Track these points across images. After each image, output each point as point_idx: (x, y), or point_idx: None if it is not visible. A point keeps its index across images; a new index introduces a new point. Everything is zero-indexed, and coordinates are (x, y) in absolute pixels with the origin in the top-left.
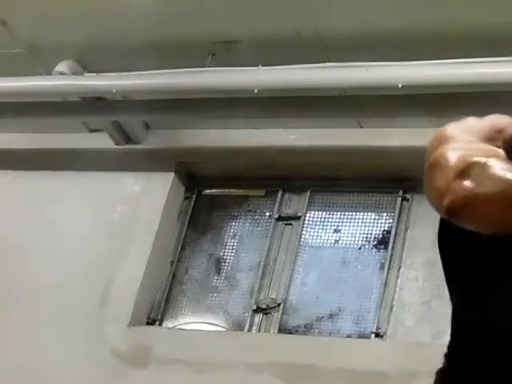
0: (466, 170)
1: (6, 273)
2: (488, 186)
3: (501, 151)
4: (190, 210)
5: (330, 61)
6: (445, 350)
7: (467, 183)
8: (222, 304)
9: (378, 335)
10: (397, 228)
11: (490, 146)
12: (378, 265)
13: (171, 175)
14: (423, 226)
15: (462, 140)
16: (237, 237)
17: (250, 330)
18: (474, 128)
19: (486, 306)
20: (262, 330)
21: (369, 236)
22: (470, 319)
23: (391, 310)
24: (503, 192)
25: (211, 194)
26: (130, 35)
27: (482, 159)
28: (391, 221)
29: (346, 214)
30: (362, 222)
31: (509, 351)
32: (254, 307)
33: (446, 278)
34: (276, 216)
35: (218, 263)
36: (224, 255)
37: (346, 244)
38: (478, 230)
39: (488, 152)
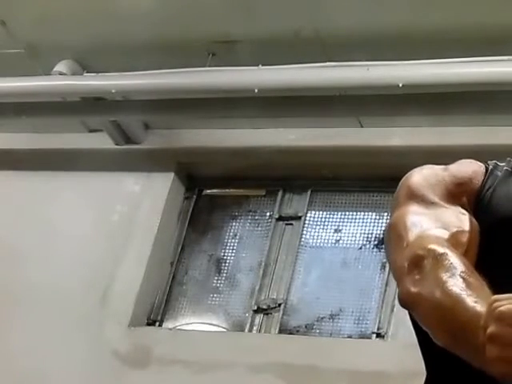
0: (418, 260)
1: (6, 273)
2: (429, 290)
3: (466, 222)
4: (190, 210)
5: (330, 60)
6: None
7: (416, 280)
8: (222, 304)
9: (379, 335)
10: None
11: (455, 214)
12: (379, 265)
13: (171, 175)
14: None
15: (425, 203)
16: (237, 237)
17: (250, 330)
18: (437, 182)
19: None
20: (263, 330)
21: (370, 236)
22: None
23: (392, 310)
24: (438, 307)
25: (211, 194)
26: (129, 35)
27: (436, 248)
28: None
29: (347, 213)
30: (363, 222)
31: None
32: (255, 307)
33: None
34: (276, 216)
35: (219, 263)
36: (224, 255)
37: (346, 244)
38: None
39: (450, 228)
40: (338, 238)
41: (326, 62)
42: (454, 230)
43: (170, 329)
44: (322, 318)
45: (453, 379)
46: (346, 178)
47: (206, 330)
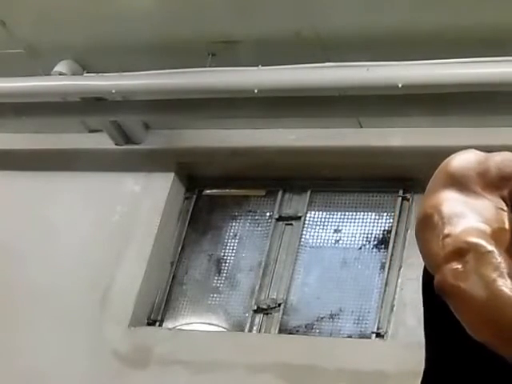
0: (460, 252)
1: (6, 274)
2: (473, 286)
3: (506, 220)
4: (190, 210)
5: (329, 61)
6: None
7: (457, 272)
8: (222, 304)
9: (378, 335)
10: (397, 228)
11: (495, 209)
12: (379, 265)
13: (171, 175)
14: None
15: (465, 190)
16: (237, 237)
17: (250, 330)
18: (480, 171)
19: None
20: (263, 330)
21: (369, 236)
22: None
23: (392, 309)
24: (486, 306)
25: (211, 195)
26: (129, 35)
27: (482, 244)
28: (391, 221)
29: (347, 213)
30: (363, 222)
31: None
32: (255, 307)
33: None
34: (276, 216)
35: (219, 263)
36: (224, 255)
37: (346, 244)
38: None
39: (492, 223)
40: (338, 238)
41: (325, 62)
42: (496, 226)
43: (170, 329)
44: (322, 318)
45: (454, 361)
46: (346, 178)
47: (206, 329)
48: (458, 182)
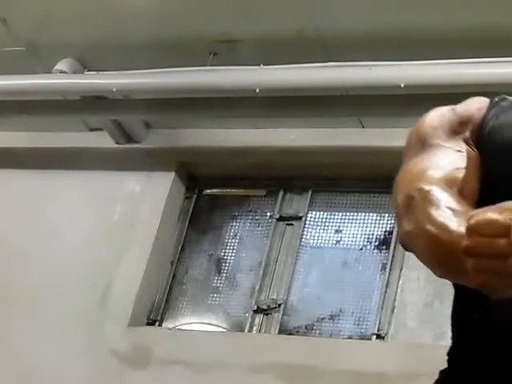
0: (410, 200)
1: (5, 273)
2: (417, 226)
3: (463, 160)
4: (191, 209)
5: (331, 60)
6: (446, 351)
7: (409, 220)
8: (222, 304)
9: (379, 336)
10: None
11: (453, 153)
12: (380, 265)
13: (172, 175)
14: None
15: (428, 145)
16: (237, 237)
17: (250, 330)
18: (441, 123)
19: (491, 306)
20: (263, 330)
21: (370, 236)
22: (472, 319)
23: (393, 311)
24: (428, 239)
25: (212, 194)
26: (130, 34)
27: (423, 186)
28: (393, 221)
29: (348, 214)
30: (364, 223)
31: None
32: (255, 308)
33: None
34: (277, 216)
35: (219, 263)
36: (224, 255)
37: (347, 244)
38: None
39: (445, 167)
40: (339, 238)
41: (327, 62)
42: (449, 168)
43: (170, 328)
44: (322, 319)
45: (481, 349)
46: (347, 178)
47: (206, 329)
48: (422, 142)
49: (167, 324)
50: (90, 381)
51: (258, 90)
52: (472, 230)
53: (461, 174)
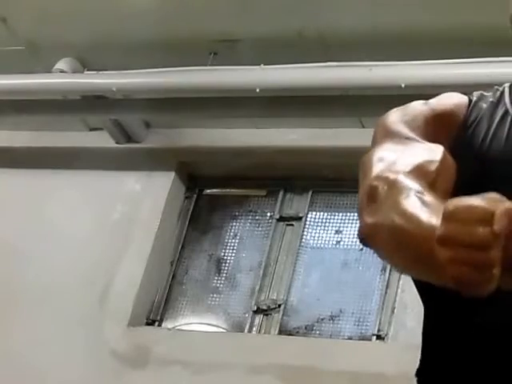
0: (374, 190)
1: (4, 272)
2: (384, 215)
3: (435, 155)
4: (191, 209)
5: (332, 60)
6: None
7: (371, 211)
8: (222, 305)
9: (379, 337)
10: None
11: (425, 150)
12: (380, 266)
13: (172, 174)
14: None
15: (400, 137)
16: (237, 237)
17: (250, 331)
18: (414, 117)
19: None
20: (263, 331)
21: None
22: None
23: (393, 311)
24: (394, 231)
25: (212, 194)
26: (130, 33)
27: (389, 175)
28: None
29: (348, 214)
30: None
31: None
32: (255, 308)
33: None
34: (277, 216)
35: (219, 263)
36: (224, 255)
37: (347, 245)
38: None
39: (417, 159)
40: (339, 239)
41: (328, 61)
42: (420, 160)
43: (170, 329)
44: (322, 319)
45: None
46: (348, 178)
47: (206, 330)
48: (392, 133)
49: (167, 324)
50: (90, 381)
51: (258, 90)
52: (450, 216)
53: (433, 167)
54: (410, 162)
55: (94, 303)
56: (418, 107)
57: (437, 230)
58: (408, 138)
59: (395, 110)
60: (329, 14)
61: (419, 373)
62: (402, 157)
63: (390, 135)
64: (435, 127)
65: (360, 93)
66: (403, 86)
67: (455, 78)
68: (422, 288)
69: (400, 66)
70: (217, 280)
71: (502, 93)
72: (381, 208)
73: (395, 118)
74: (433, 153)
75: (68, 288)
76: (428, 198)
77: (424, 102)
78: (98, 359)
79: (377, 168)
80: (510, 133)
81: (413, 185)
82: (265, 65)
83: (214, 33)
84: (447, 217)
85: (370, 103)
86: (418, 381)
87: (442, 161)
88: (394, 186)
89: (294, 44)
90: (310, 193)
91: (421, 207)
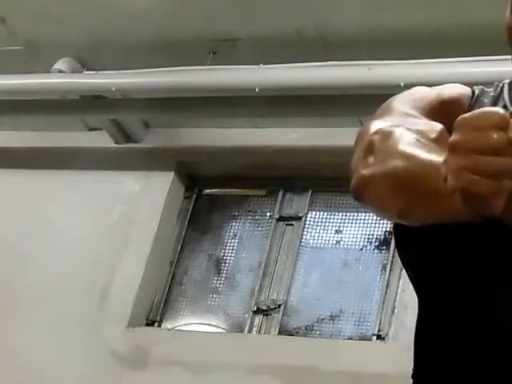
0: (370, 145)
1: (3, 272)
2: (381, 165)
3: (437, 126)
4: (190, 209)
5: (331, 59)
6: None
7: (368, 164)
8: (221, 305)
9: (379, 337)
10: None
11: (425, 124)
12: (380, 266)
13: (171, 174)
14: None
15: (400, 112)
16: (237, 237)
17: (250, 331)
18: (420, 97)
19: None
20: (263, 331)
21: (371, 237)
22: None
23: (393, 311)
24: (393, 170)
25: (211, 194)
26: (129, 33)
27: (387, 128)
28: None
29: (348, 214)
30: (364, 223)
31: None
32: (254, 308)
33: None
34: (277, 216)
35: (218, 264)
36: (224, 256)
37: (347, 245)
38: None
39: (417, 126)
40: (339, 238)
41: (327, 61)
42: (422, 127)
43: (169, 329)
44: (322, 320)
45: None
46: (348, 178)
47: (206, 330)
48: (394, 109)
49: (166, 325)
50: (89, 381)
51: (257, 89)
52: (464, 124)
53: (434, 132)
54: (410, 125)
55: (93, 304)
56: (424, 91)
57: (450, 139)
58: (408, 114)
59: (401, 93)
60: (328, 13)
61: (415, 375)
62: (403, 122)
63: (391, 111)
64: (440, 112)
65: (359, 92)
66: (402, 85)
67: (454, 77)
68: (419, 284)
69: (399, 65)
70: (216, 280)
71: (502, 88)
72: (377, 157)
73: (399, 97)
74: (434, 125)
75: (67, 288)
76: (427, 141)
77: (430, 88)
78: (98, 360)
79: (374, 127)
80: None
81: (412, 134)
82: (264, 64)
83: (214, 32)
84: (461, 125)
85: (369, 102)
86: (414, 383)
87: (443, 132)
88: (391, 136)
89: (294, 43)
90: (310, 192)
91: (421, 147)
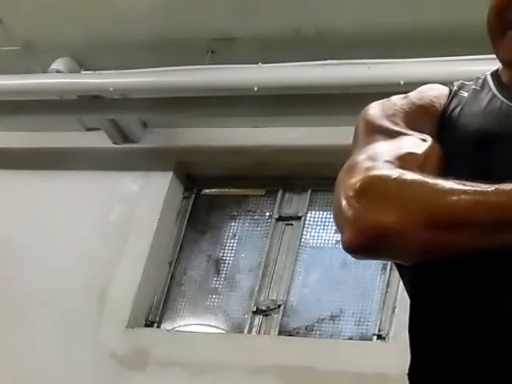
0: (371, 187)
1: (2, 273)
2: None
3: (421, 145)
4: (189, 209)
5: (331, 58)
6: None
7: (367, 204)
8: (221, 305)
9: (379, 337)
10: None
11: (411, 141)
12: (380, 265)
13: (170, 174)
14: None
15: (385, 132)
16: (236, 237)
17: (249, 331)
18: (395, 111)
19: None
20: (262, 331)
21: None
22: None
23: (393, 311)
24: (424, 208)
25: (210, 194)
26: (127, 32)
27: (376, 172)
28: None
29: None
30: None
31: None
32: (254, 309)
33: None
34: (276, 216)
35: (218, 264)
36: (223, 256)
37: None
38: (403, 262)
39: (403, 150)
40: (339, 238)
41: (326, 60)
42: (405, 151)
43: (169, 330)
44: (323, 320)
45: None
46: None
47: (205, 331)
48: (376, 128)
49: (166, 325)
50: (89, 382)
51: (256, 89)
52: None
53: (420, 153)
54: (393, 157)
55: (92, 304)
56: (397, 102)
57: None
58: (393, 131)
59: (374, 104)
60: (327, 11)
61: (410, 375)
62: (389, 152)
63: (374, 130)
64: (416, 119)
65: (359, 91)
66: (402, 83)
67: (454, 76)
68: (410, 280)
69: (399, 63)
70: (216, 280)
71: (485, 80)
72: (391, 203)
73: (376, 113)
74: (420, 144)
75: (66, 289)
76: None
77: (403, 96)
78: (97, 361)
79: (365, 165)
80: (500, 114)
81: (413, 173)
82: (263, 63)
83: (212, 31)
84: None
85: (369, 101)
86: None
87: (428, 149)
88: (384, 179)
89: (292, 42)
90: (310, 192)
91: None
